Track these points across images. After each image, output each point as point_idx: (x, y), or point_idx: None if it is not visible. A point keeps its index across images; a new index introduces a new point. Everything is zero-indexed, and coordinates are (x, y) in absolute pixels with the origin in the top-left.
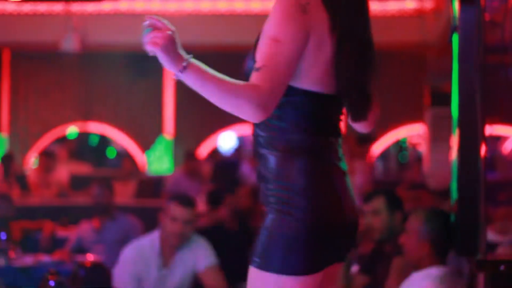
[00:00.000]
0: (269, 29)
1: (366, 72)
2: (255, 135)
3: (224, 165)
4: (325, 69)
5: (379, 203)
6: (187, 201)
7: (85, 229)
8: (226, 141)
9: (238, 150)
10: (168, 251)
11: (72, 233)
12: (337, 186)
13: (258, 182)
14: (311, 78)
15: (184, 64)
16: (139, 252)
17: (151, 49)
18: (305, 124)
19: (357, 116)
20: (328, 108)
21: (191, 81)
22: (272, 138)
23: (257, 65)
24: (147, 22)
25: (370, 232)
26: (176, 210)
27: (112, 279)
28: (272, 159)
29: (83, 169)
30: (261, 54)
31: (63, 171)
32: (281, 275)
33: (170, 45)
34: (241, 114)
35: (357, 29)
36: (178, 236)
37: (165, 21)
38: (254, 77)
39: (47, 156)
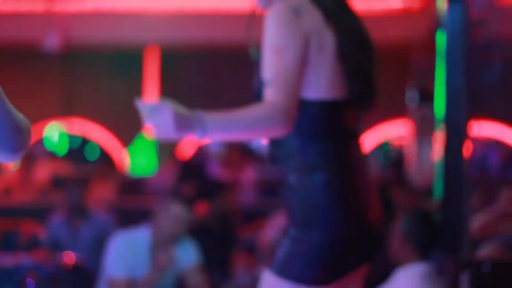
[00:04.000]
0: (268, 41)
1: (370, 64)
2: (271, 151)
3: (191, 166)
4: (332, 73)
5: None
6: (189, 202)
7: (58, 225)
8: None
9: (203, 150)
10: (158, 248)
11: (44, 228)
12: (361, 195)
13: (283, 195)
14: (322, 86)
15: (201, 129)
16: (129, 243)
17: (163, 136)
18: (324, 136)
19: (367, 107)
20: (344, 114)
21: (215, 138)
22: (289, 156)
23: (267, 80)
24: (143, 110)
25: None
26: (180, 211)
27: (94, 282)
28: (292, 176)
29: (64, 168)
30: (267, 68)
31: (44, 170)
32: (299, 284)
33: (178, 122)
34: (270, 135)
35: (351, 25)
36: (176, 236)
37: (152, 101)
38: (268, 94)
39: (27, 155)
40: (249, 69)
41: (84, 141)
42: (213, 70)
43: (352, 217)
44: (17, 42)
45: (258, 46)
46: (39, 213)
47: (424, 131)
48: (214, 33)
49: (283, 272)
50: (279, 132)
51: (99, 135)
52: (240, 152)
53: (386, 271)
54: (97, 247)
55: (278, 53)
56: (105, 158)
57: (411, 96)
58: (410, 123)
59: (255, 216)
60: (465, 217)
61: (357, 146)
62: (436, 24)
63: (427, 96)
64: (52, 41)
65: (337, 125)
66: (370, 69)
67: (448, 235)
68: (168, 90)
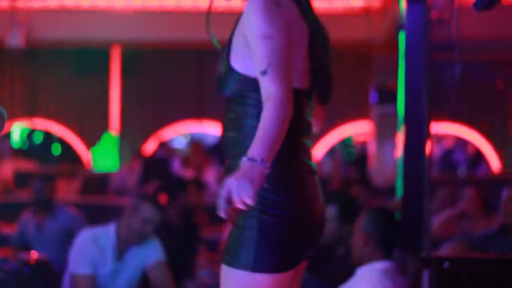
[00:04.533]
0: (256, 30)
1: (329, 61)
2: (226, 137)
3: (155, 162)
4: (303, 64)
5: (331, 212)
6: (159, 204)
7: (27, 223)
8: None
9: (166, 147)
10: (123, 246)
11: (14, 227)
12: (309, 186)
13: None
14: (294, 76)
15: (260, 164)
16: (94, 240)
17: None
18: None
19: (325, 100)
20: (303, 104)
21: (268, 154)
22: (245, 143)
23: (262, 68)
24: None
25: None
26: (150, 212)
27: (56, 277)
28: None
29: (27, 165)
30: (260, 56)
31: (7, 168)
32: (254, 272)
33: (245, 180)
34: (287, 122)
35: (316, 22)
36: (145, 237)
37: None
38: (265, 83)
39: None
40: (211, 65)
41: (48, 138)
42: (174, 67)
43: (304, 203)
44: None
45: (218, 39)
46: (3, 210)
47: (385, 130)
48: (176, 31)
49: (237, 263)
50: (288, 115)
51: (63, 132)
52: (203, 151)
53: (347, 270)
54: (64, 243)
55: (268, 40)
56: (69, 156)
57: (373, 95)
58: (371, 122)
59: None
60: (426, 216)
61: (308, 142)
62: (396, 23)
63: (388, 95)
64: (15, 38)
65: (296, 113)
66: (329, 65)
67: (410, 233)
68: (131, 88)
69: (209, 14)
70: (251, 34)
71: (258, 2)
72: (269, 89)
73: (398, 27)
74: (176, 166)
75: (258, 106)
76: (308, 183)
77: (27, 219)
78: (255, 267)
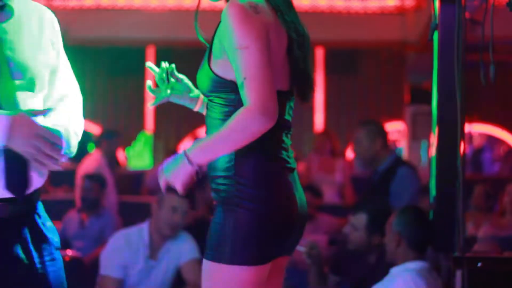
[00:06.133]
0: (233, 41)
1: (309, 62)
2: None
3: None
4: (282, 67)
5: (360, 220)
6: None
7: (70, 220)
8: None
9: None
10: (157, 243)
11: (58, 223)
12: (287, 181)
13: (208, 176)
14: (279, 78)
15: (187, 162)
16: (127, 240)
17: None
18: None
19: (305, 99)
20: (283, 104)
21: (206, 161)
22: None
23: (239, 80)
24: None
25: (347, 241)
26: (176, 201)
27: (97, 274)
28: (225, 158)
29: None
30: (237, 68)
31: None
32: (232, 265)
33: (168, 169)
34: (256, 135)
35: (297, 22)
36: (176, 227)
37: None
38: (244, 94)
39: None
40: None
41: (84, 137)
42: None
43: (281, 198)
44: None
45: (207, 39)
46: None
47: (418, 130)
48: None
49: (217, 257)
50: (261, 128)
51: (99, 131)
52: None
53: (380, 270)
54: (99, 243)
55: (246, 51)
56: None
57: (406, 95)
58: (405, 122)
59: None
60: (460, 215)
61: (287, 139)
62: (430, 23)
63: (422, 95)
64: None
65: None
66: (308, 65)
67: (443, 232)
68: None
69: (197, 13)
70: (227, 45)
71: (234, 11)
72: (246, 100)
73: (432, 27)
74: None
75: (237, 106)
76: (285, 178)
77: (71, 216)
78: (233, 260)
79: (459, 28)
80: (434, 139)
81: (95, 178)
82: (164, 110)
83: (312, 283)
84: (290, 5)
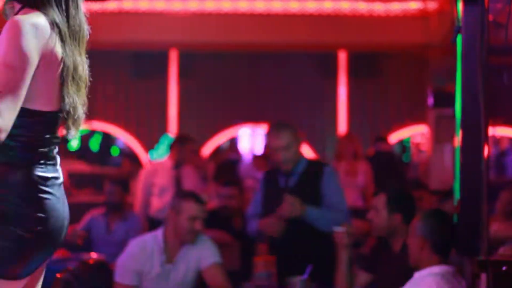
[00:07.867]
0: (4, 55)
1: (81, 93)
2: None
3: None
4: (52, 88)
5: (380, 201)
6: (200, 199)
7: (95, 223)
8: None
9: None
10: (173, 248)
11: (82, 222)
12: (53, 197)
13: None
14: (44, 99)
15: None
16: (142, 247)
17: None
18: (31, 141)
19: (73, 123)
20: (52, 124)
21: None
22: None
23: None
24: None
25: (372, 229)
26: (194, 209)
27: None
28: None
29: (82, 167)
30: None
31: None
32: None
33: None
34: None
35: (74, 54)
36: (195, 232)
37: None
38: None
39: None
40: (266, 68)
41: (105, 141)
42: (232, 70)
43: (47, 213)
44: None
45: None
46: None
47: (442, 133)
48: (233, 34)
49: None
50: None
51: (122, 134)
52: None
53: (403, 273)
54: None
55: (11, 70)
56: (125, 158)
57: (429, 98)
58: (428, 125)
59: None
60: (484, 218)
61: (54, 155)
62: (454, 26)
63: (445, 98)
64: None
65: (44, 134)
66: (79, 92)
67: (467, 236)
68: (189, 91)
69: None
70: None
71: (16, 29)
72: None
73: (456, 30)
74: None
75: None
76: (53, 194)
77: (96, 219)
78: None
79: (482, 30)
80: (457, 142)
81: (117, 182)
82: (188, 113)
83: (339, 279)
84: (74, 33)
